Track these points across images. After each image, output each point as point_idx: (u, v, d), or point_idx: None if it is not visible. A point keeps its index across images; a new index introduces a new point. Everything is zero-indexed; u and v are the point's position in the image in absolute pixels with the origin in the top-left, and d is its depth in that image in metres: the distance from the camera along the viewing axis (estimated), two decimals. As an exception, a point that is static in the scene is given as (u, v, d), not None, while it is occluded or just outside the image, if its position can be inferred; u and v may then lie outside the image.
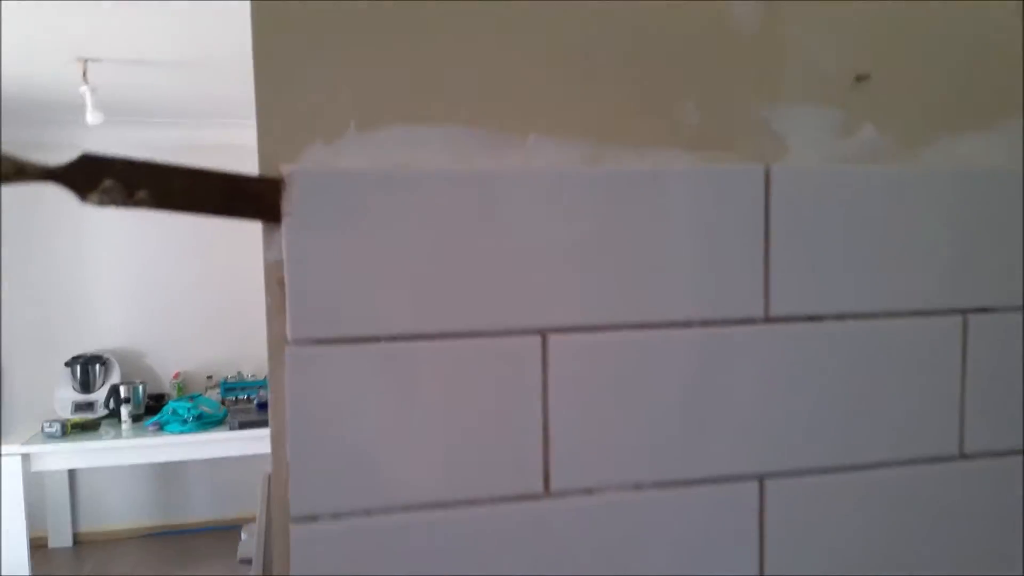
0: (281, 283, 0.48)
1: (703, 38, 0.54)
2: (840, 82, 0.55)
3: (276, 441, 0.49)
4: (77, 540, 4.48)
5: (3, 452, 3.49)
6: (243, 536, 0.93)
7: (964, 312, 0.57)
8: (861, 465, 0.56)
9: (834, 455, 0.56)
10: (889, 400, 0.57)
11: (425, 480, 0.51)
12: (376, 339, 0.49)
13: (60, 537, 4.40)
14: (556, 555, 0.52)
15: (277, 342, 0.48)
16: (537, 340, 0.51)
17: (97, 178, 0.41)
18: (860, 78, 0.55)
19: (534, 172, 0.51)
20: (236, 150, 4.24)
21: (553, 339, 0.52)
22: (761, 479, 0.55)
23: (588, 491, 0.53)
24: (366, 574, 0.50)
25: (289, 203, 0.47)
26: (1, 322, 4.10)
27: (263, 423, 3.74)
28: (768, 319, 0.54)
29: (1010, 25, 0.59)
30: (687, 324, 0.53)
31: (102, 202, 0.41)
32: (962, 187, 0.57)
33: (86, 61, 3.12)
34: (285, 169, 0.47)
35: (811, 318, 0.55)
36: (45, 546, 4.35)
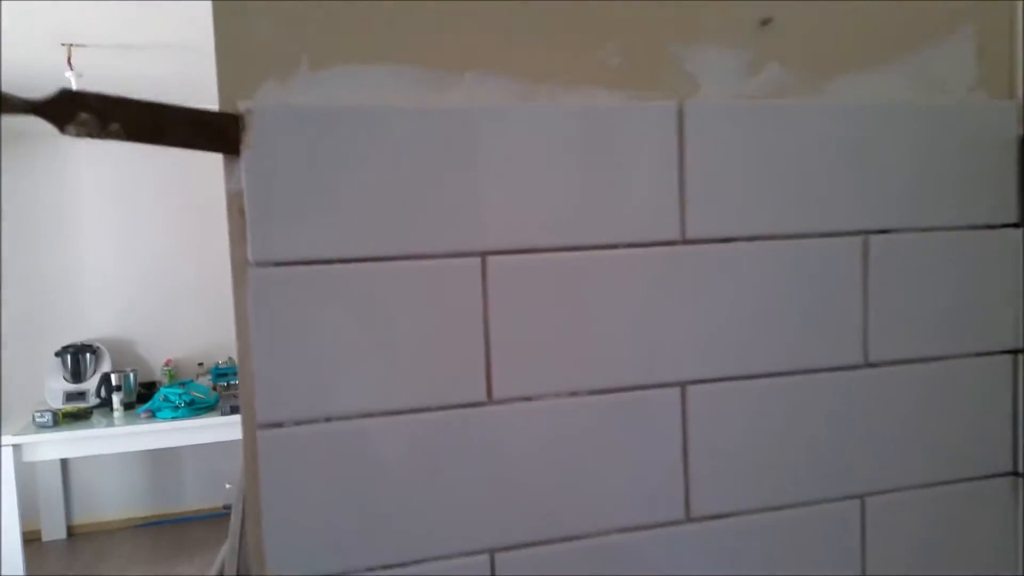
0: (241, 211, 0.53)
1: (622, -13, 0.59)
2: (747, 24, 0.61)
3: (242, 357, 0.55)
4: (71, 532, 4.53)
5: (-3, 442, 3.52)
6: (227, 486, 0.99)
7: (865, 233, 0.64)
8: (774, 372, 0.63)
9: (749, 364, 0.62)
10: (798, 314, 0.63)
11: (379, 390, 0.56)
12: (330, 261, 0.55)
13: (54, 530, 4.45)
14: (499, 455, 0.58)
15: (240, 266, 0.54)
16: (477, 261, 0.57)
17: (73, 111, 0.46)
18: (765, 21, 0.61)
19: (475, 109, 0.57)
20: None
21: (491, 260, 0.57)
22: (683, 386, 0.61)
23: (527, 398, 0.59)
24: (327, 473, 0.56)
25: (248, 136, 0.52)
26: (-10, 315, 4.13)
27: (253, 408, 3.80)
28: (685, 241, 0.60)
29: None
30: (612, 246, 0.59)
31: (79, 133, 0.47)
32: (862, 119, 0.63)
33: (71, 46, 3.16)
34: (242, 105, 0.52)
35: (724, 240, 0.61)
36: (39, 539, 4.40)
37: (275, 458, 0.55)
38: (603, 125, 0.59)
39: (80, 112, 0.46)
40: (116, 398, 3.86)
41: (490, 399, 0.58)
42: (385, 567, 0.57)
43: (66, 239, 4.28)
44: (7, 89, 0.45)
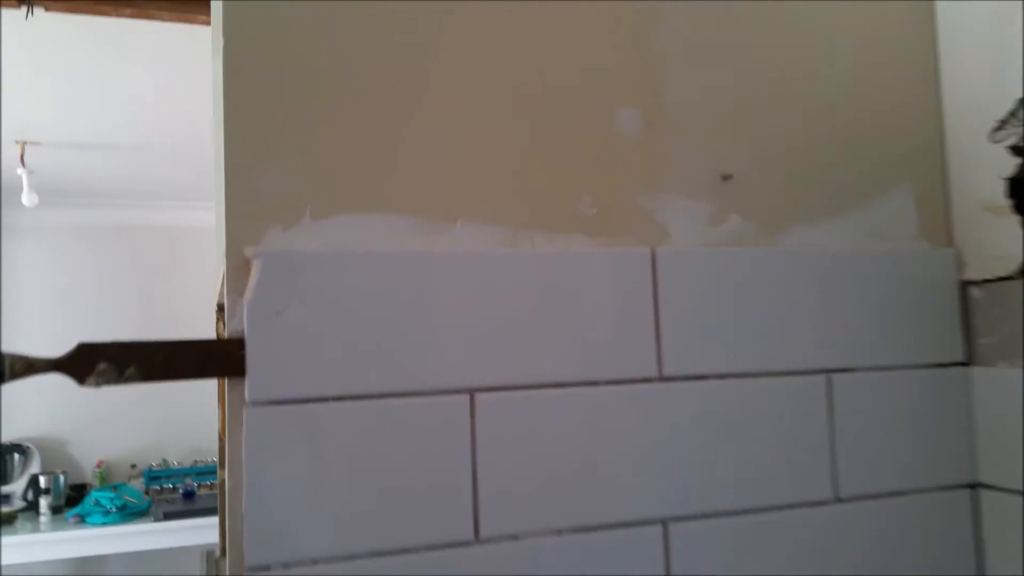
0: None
1: (594, 139, 0.65)
2: (710, 180, 0.67)
3: (233, 496, 0.55)
4: (-19, 649, 4.17)
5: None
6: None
7: (828, 372, 0.68)
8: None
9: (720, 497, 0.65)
10: (767, 448, 0.66)
11: (366, 531, 0.57)
12: (323, 399, 0.56)
13: (-38, 647, 4.09)
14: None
15: (235, 406, 0.55)
16: (466, 398, 0.59)
17: (93, 363, 0.48)
18: (725, 177, 0.66)
19: (462, 254, 0.60)
20: (170, 231, 4.27)
21: (480, 397, 0.59)
22: (665, 522, 0.63)
23: (514, 537, 0.60)
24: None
25: (252, 280, 0.54)
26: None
27: (189, 513, 3.61)
28: (662, 378, 0.63)
29: (853, 132, 0.73)
30: (594, 383, 0.62)
31: (98, 383, 0.48)
32: (816, 265, 0.69)
33: (24, 144, 3.14)
34: (248, 251, 0.54)
35: (697, 377, 0.64)
36: (-54, 657, 4.03)
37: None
38: (580, 268, 0.62)
39: (98, 363, 0.48)
40: (44, 501, 3.65)
41: (477, 538, 0.59)
42: None
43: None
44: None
